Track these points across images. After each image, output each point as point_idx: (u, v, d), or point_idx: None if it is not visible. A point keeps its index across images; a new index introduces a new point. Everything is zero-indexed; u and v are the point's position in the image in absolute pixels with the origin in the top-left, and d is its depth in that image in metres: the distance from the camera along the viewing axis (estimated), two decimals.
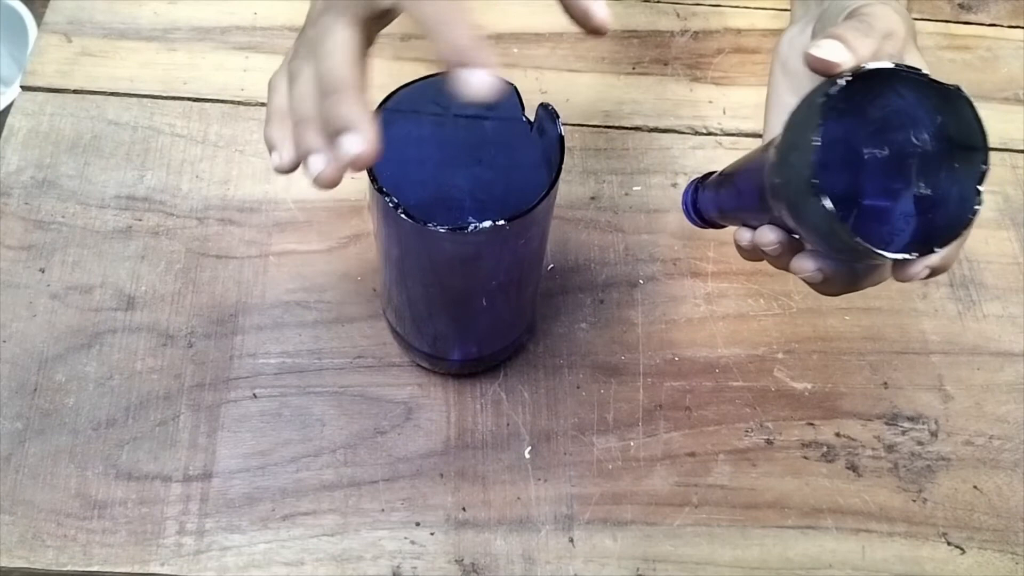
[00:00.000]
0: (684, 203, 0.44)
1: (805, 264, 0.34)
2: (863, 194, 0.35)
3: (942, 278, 0.53)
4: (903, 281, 0.33)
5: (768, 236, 0.35)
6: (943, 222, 0.32)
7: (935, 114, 0.32)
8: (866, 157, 0.34)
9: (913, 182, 0.34)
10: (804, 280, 0.35)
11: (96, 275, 0.49)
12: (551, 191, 0.35)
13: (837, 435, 0.47)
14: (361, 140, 0.29)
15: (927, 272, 0.33)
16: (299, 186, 0.52)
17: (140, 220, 0.51)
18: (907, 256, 0.31)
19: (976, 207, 0.31)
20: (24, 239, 0.50)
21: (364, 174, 0.34)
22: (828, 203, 0.29)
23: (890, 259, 0.31)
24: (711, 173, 0.43)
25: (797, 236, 0.34)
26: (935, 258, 0.33)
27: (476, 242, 0.35)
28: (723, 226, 0.43)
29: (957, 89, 0.31)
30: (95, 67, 0.56)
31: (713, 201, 0.42)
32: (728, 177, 0.40)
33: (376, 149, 0.30)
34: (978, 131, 0.31)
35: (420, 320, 0.44)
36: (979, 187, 0.31)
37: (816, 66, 0.32)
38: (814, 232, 0.32)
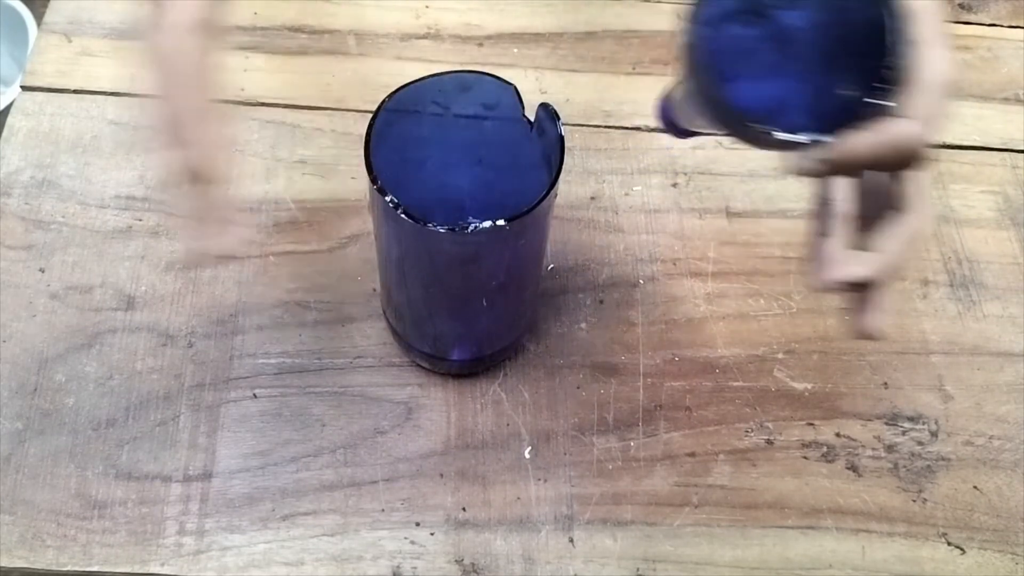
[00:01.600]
0: (658, 113, 0.42)
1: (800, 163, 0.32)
2: (774, 80, 0.34)
3: (942, 278, 0.52)
4: (793, 173, 0.31)
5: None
6: (844, 116, 0.31)
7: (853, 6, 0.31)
8: (778, 32, 0.33)
9: (839, 75, 0.33)
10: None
11: (96, 275, 0.49)
12: (551, 191, 0.35)
13: (837, 435, 0.47)
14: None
15: (820, 167, 0.31)
16: (299, 186, 0.53)
17: (140, 220, 0.51)
18: (786, 136, 0.30)
19: (866, 100, 0.30)
20: (24, 239, 0.50)
21: (364, 173, 0.34)
22: (708, 62, 0.29)
23: (767, 135, 0.30)
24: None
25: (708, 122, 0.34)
26: (824, 151, 0.30)
27: (476, 242, 0.35)
28: (695, 134, 0.41)
29: None
30: (95, 67, 0.56)
31: (677, 101, 0.41)
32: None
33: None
34: (891, 27, 0.30)
35: (420, 320, 0.44)
36: (878, 83, 0.30)
37: None
38: (698, 95, 0.31)
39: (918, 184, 0.34)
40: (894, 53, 0.30)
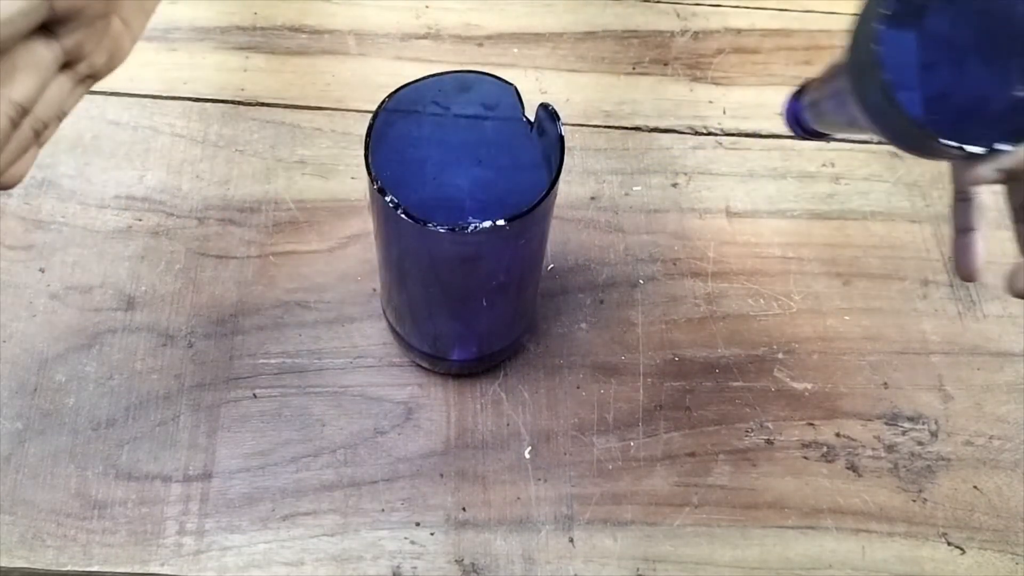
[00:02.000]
0: (787, 114, 0.42)
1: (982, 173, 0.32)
2: (949, 87, 0.33)
3: (942, 278, 0.53)
4: (976, 182, 0.31)
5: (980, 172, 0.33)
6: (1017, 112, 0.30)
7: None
8: (949, 37, 0.32)
9: (1009, 75, 0.32)
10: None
11: (96, 275, 0.49)
12: (551, 191, 0.35)
13: (837, 435, 0.47)
14: None
15: (997, 175, 0.31)
16: (299, 186, 0.53)
17: (140, 220, 0.51)
18: (975, 149, 0.29)
19: None
20: (24, 239, 0.50)
21: (364, 173, 0.34)
22: (885, 75, 0.28)
23: (951, 149, 0.29)
24: (811, 81, 0.41)
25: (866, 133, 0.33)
26: (1008, 159, 0.30)
27: (476, 242, 0.35)
28: (825, 136, 0.41)
29: None
30: None
31: (812, 105, 0.40)
32: (822, 77, 0.39)
33: None
34: None
35: (420, 320, 0.44)
36: None
37: None
38: (873, 113, 0.30)
39: None
40: None
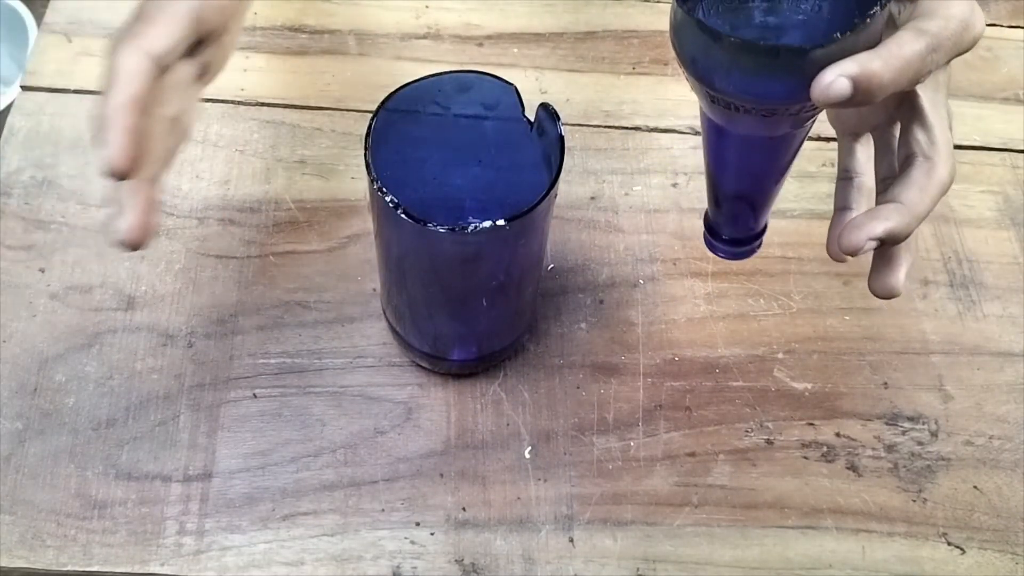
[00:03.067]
0: (711, 246, 0.43)
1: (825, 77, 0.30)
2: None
3: (942, 278, 0.52)
4: (820, 99, 0.29)
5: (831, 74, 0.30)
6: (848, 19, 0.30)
7: None
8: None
9: None
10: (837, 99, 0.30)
11: (96, 275, 0.49)
12: (551, 191, 0.35)
13: (837, 435, 0.47)
14: (110, 142, 0.32)
15: (848, 85, 0.29)
16: (299, 186, 0.53)
17: None
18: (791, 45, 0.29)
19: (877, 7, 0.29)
20: (24, 239, 0.50)
21: (364, 173, 0.34)
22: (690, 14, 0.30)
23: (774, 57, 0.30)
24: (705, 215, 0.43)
25: (716, 103, 0.34)
26: (850, 65, 0.29)
27: (476, 242, 0.35)
28: (754, 232, 0.42)
29: None
30: (95, 67, 0.56)
31: (717, 205, 0.41)
32: (709, 181, 0.40)
33: (127, 158, 0.32)
34: None
35: (420, 320, 0.44)
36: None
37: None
38: (700, 59, 0.32)
39: (932, 135, 0.34)
40: None
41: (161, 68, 0.33)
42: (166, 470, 0.44)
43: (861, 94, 0.30)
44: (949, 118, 0.35)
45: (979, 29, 0.33)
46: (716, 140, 0.37)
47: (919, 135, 0.34)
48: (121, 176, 0.32)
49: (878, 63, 0.30)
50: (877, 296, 0.36)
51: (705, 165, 0.39)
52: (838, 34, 0.29)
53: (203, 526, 0.43)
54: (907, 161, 0.34)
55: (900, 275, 0.35)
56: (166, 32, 0.33)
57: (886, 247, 0.34)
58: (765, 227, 0.42)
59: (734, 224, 0.41)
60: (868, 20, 0.30)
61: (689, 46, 0.32)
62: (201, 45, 0.36)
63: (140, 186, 0.34)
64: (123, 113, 0.32)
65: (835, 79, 0.29)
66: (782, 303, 0.51)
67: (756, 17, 0.35)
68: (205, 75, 0.38)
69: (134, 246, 0.33)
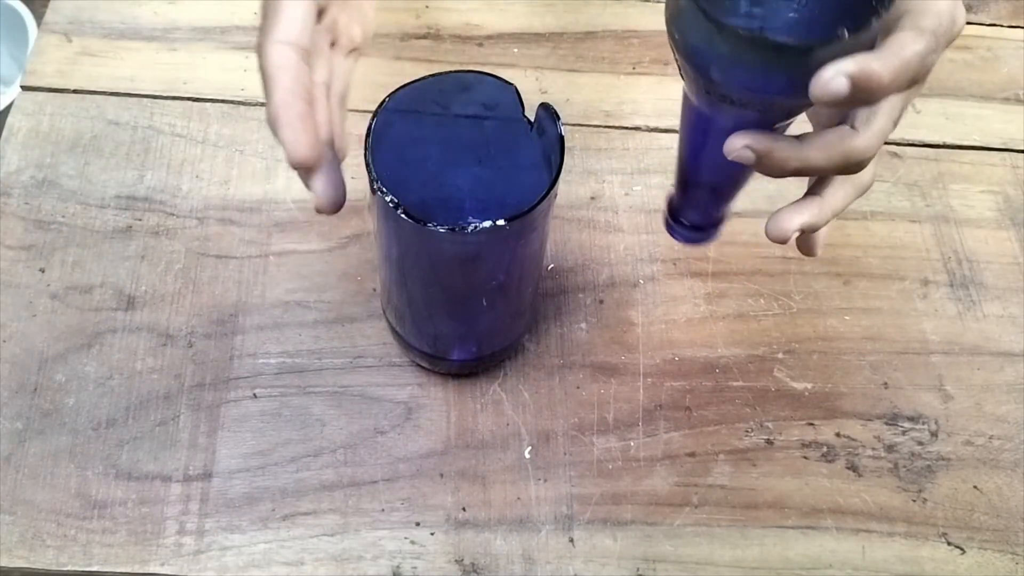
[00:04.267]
0: (670, 229, 0.43)
1: (734, 142, 0.34)
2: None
3: (942, 278, 0.53)
4: (821, 97, 0.30)
5: (735, 143, 0.34)
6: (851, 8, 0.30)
7: None
8: None
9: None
10: (743, 161, 0.34)
11: (96, 275, 0.49)
12: (551, 191, 0.35)
13: (837, 435, 0.47)
14: (285, 139, 0.33)
15: (846, 84, 0.29)
16: (299, 186, 0.52)
17: (140, 220, 0.51)
18: (793, 43, 0.29)
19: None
20: (24, 239, 0.50)
21: (364, 173, 0.34)
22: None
23: (779, 51, 0.29)
24: (669, 198, 0.43)
25: (710, 94, 0.33)
26: (849, 64, 0.29)
27: (476, 242, 0.35)
28: (715, 220, 0.42)
29: None
30: (95, 67, 0.56)
31: (684, 191, 0.41)
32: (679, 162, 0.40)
33: (305, 148, 0.33)
34: None
35: (420, 320, 0.44)
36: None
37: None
38: (701, 49, 0.31)
39: (869, 111, 0.34)
40: None
41: (305, 52, 0.34)
42: (166, 470, 0.44)
43: (860, 93, 0.30)
44: (897, 119, 0.35)
45: (961, 24, 0.34)
46: (696, 129, 0.37)
47: (861, 112, 0.35)
48: (307, 168, 0.33)
49: (877, 64, 0.30)
50: (768, 235, 0.38)
51: (679, 150, 0.39)
52: (845, 32, 0.29)
53: (203, 526, 0.43)
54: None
55: (795, 223, 0.37)
56: (292, 16, 0.34)
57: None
58: (725, 216, 0.42)
59: (698, 211, 0.41)
60: (875, 20, 0.30)
61: (689, 35, 0.32)
62: (320, 13, 0.37)
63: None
64: (287, 108, 0.32)
65: (834, 77, 0.29)
66: (782, 303, 0.51)
67: (743, 7, 0.35)
68: (340, 40, 0.39)
69: (331, 209, 0.35)
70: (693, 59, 0.32)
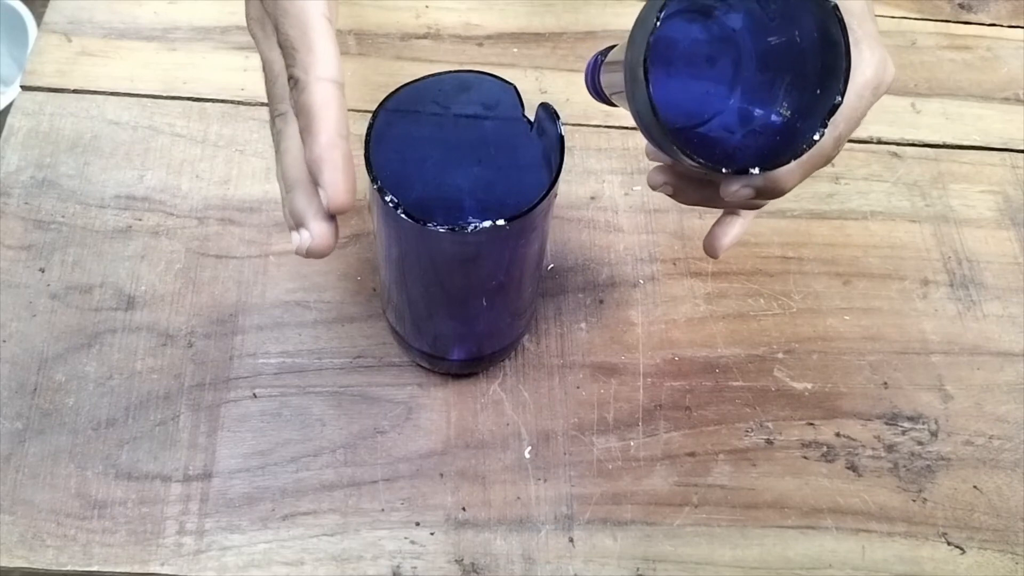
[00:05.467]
0: (587, 75, 0.41)
1: (655, 177, 0.38)
2: (707, 104, 0.34)
3: (942, 278, 0.53)
4: (727, 199, 0.34)
5: (655, 178, 0.39)
6: (780, 145, 0.31)
7: (800, 23, 0.30)
8: (712, 57, 0.34)
9: (766, 99, 0.33)
10: (661, 192, 0.39)
11: (96, 275, 0.49)
12: (551, 191, 0.35)
13: (837, 435, 0.47)
14: (309, 237, 0.32)
15: (749, 192, 0.34)
16: None
17: (140, 220, 0.51)
18: (717, 167, 0.30)
19: (813, 138, 0.30)
20: (24, 239, 0.50)
21: (364, 173, 0.34)
22: (648, 87, 0.29)
23: (697, 165, 0.30)
24: (614, 46, 0.40)
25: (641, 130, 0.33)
26: (757, 180, 0.33)
27: (476, 242, 0.35)
28: (612, 103, 0.41)
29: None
30: (95, 67, 0.56)
31: (605, 77, 0.40)
32: (616, 53, 0.38)
33: (326, 244, 0.32)
34: (841, 51, 0.29)
35: (420, 320, 0.44)
36: (824, 120, 0.30)
37: None
38: (638, 118, 0.31)
39: None
40: (841, 80, 0.30)
41: (342, 86, 0.32)
42: (166, 470, 0.44)
43: (765, 195, 0.35)
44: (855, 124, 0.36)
45: (890, 78, 0.35)
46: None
47: None
48: (342, 212, 0.31)
49: (784, 170, 0.33)
50: (706, 251, 0.43)
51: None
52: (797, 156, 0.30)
53: (203, 526, 0.43)
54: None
55: (728, 240, 0.43)
56: (329, 50, 0.31)
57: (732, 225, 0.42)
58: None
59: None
60: (813, 141, 0.30)
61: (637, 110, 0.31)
62: None
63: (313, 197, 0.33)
64: (334, 150, 0.30)
65: (740, 189, 0.34)
66: (782, 303, 0.51)
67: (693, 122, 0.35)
68: None
69: (320, 254, 0.32)
70: (629, 104, 0.32)
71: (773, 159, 0.30)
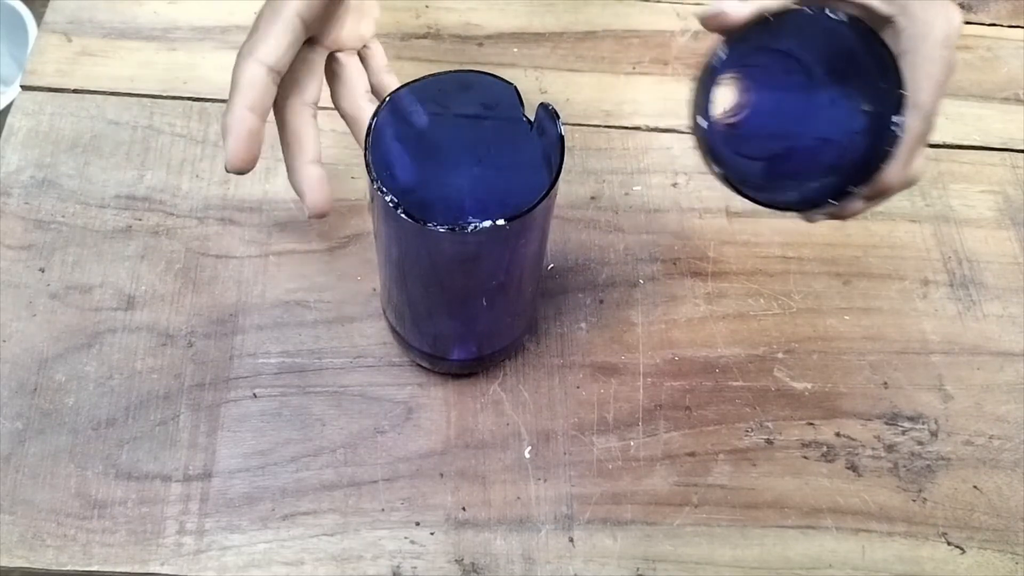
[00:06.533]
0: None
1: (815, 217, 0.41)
2: (770, 143, 0.36)
3: (942, 278, 0.53)
4: (854, 216, 0.38)
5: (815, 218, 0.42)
6: (869, 154, 0.32)
7: (836, 49, 0.32)
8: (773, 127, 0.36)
9: (823, 124, 0.34)
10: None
11: (96, 275, 0.49)
12: (551, 191, 0.35)
13: (837, 435, 0.47)
14: (228, 147, 0.37)
15: (863, 204, 0.37)
16: None
17: (140, 220, 0.51)
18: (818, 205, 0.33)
19: (892, 132, 0.31)
20: (24, 239, 0.50)
21: (364, 173, 0.34)
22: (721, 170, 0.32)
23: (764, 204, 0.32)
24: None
25: None
26: (863, 190, 0.35)
27: (476, 242, 0.35)
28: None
29: (851, 21, 0.30)
30: (95, 67, 0.56)
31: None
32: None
33: (241, 160, 0.37)
34: (887, 58, 0.31)
35: (420, 320, 0.44)
36: (896, 116, 0.31)
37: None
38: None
39: None
40: (892, 71, 0.30)
41: (277, 73, 0.37)
42: (166, 470, 0.44)
43: (878, 199, 0.37)
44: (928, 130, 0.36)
45: (958, 25, 0.35)
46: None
47: None
48: (239, 173, 0.37)
49: (887, 176, 0.34)
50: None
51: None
52: (854, 188, 0.33)
53: (203, 526, 0.43)
54: None
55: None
56: (276, 42, 0.37)
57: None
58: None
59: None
60: (894, 135, 0.31)
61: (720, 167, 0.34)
62: (316, 33, 0.39)
63: (306, 168, 0.40)
64: (241, 123, 0.36)
65: (851, 205, 0.37)
66: (782, 303, 0.51)
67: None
68: (345, 45, 0.42)
69: (320, 210, 0.39)
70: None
71: (866, 171, 0.31)
